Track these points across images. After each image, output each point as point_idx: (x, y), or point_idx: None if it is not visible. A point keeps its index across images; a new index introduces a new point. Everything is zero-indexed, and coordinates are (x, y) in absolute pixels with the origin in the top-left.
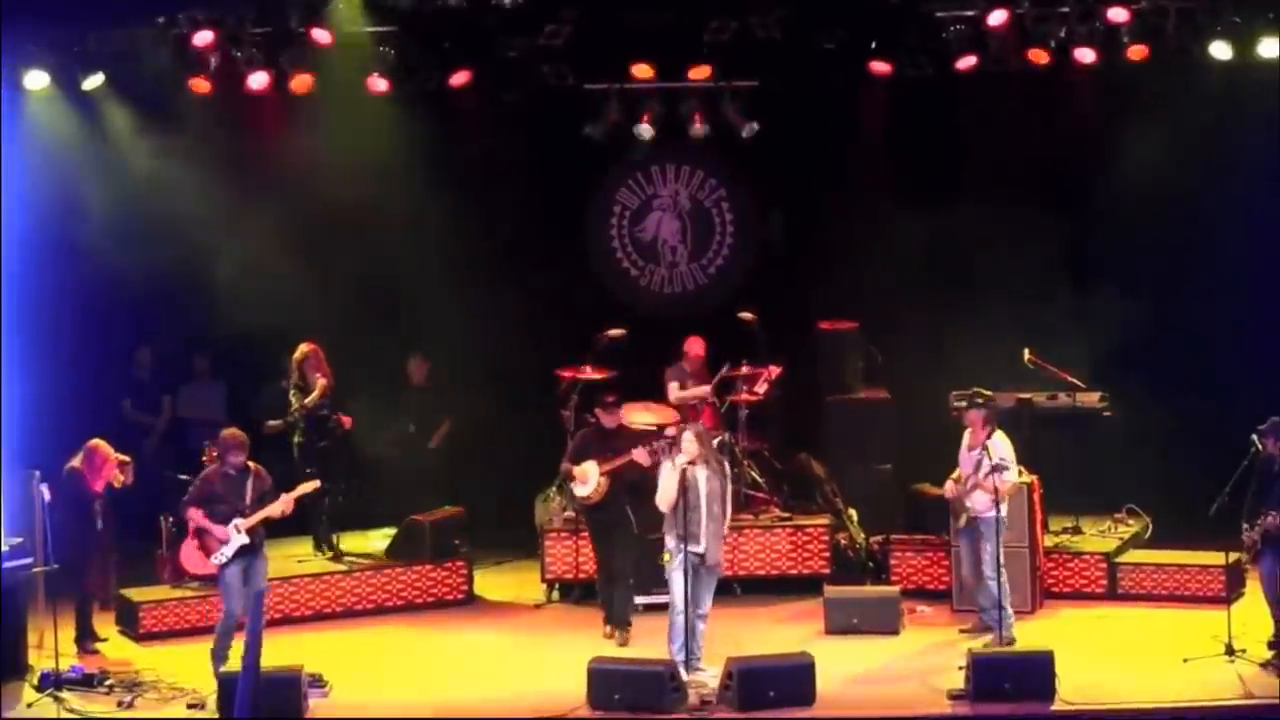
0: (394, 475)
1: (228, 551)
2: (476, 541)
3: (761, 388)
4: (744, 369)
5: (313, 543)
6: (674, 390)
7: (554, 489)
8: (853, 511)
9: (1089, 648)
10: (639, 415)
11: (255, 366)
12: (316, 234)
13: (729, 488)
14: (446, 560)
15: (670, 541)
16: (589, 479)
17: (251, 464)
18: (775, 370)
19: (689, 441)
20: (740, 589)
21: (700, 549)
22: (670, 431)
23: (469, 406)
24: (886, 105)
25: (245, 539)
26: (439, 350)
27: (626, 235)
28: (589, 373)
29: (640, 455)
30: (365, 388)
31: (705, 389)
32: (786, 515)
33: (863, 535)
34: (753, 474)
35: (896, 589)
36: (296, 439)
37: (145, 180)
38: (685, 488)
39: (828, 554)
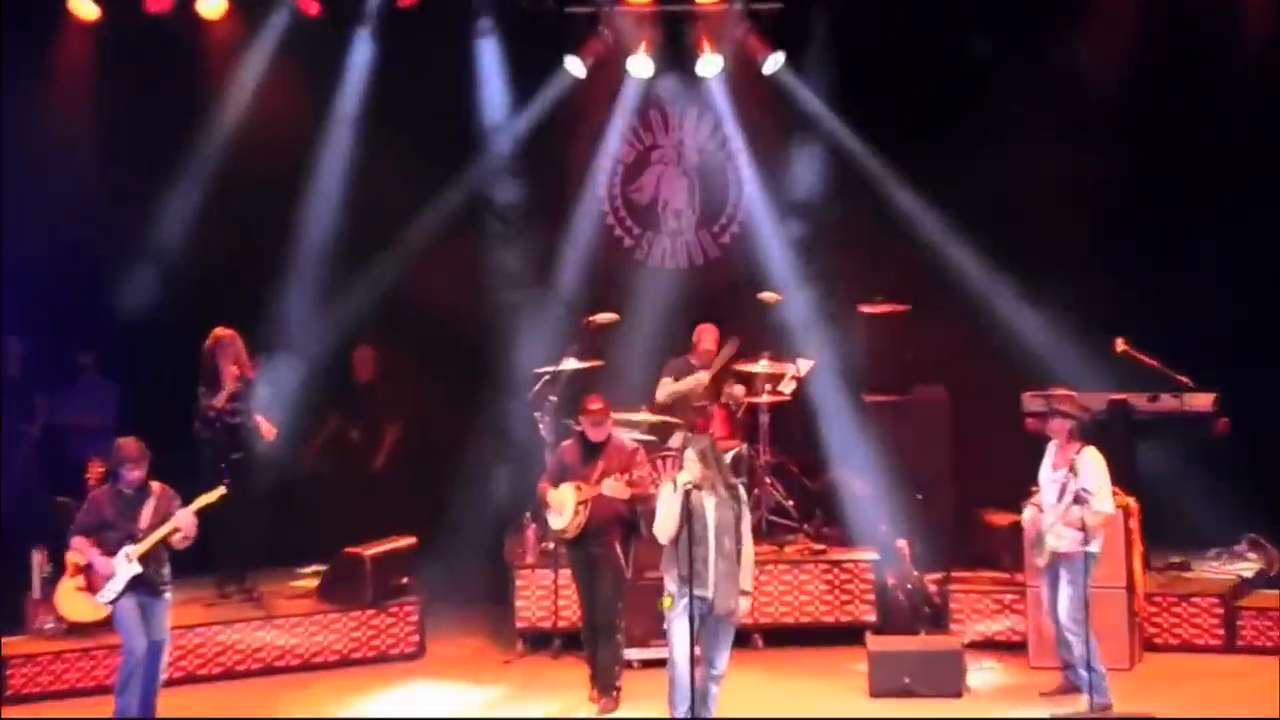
0: (328, 496)
1: (116, 586)
2: (432, 580)
3: (788, 386)
4: (765, 362)
5: (217, 583)
6: (663, 387)
7: (527, 516)
8: (903, 543)
9: (1201, 714)
10: (640, 423)
11: (160, 360)
12: (234, 194)
13: (746, 516)
14: (392, 603)
15: (670, 583)
16: (564, 507)
17: (153, 482)
18: (806, 364)
19: (692, 460)
20: (763, 641)
21: (707, 593)
22: (675, 443)
23: (426, 410)
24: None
25: (137, 568)
26: (389, 338)
27: (619, 196)
28: (572, 367)
29: (614, 488)
30: (293, 385)
31: (698, 378)
32: (820, 548)
33: (915, 573)
34: (777, 496)
35: (958, 640)
36: (205, 450)
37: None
38: (689, 516)
39: (872, 596)
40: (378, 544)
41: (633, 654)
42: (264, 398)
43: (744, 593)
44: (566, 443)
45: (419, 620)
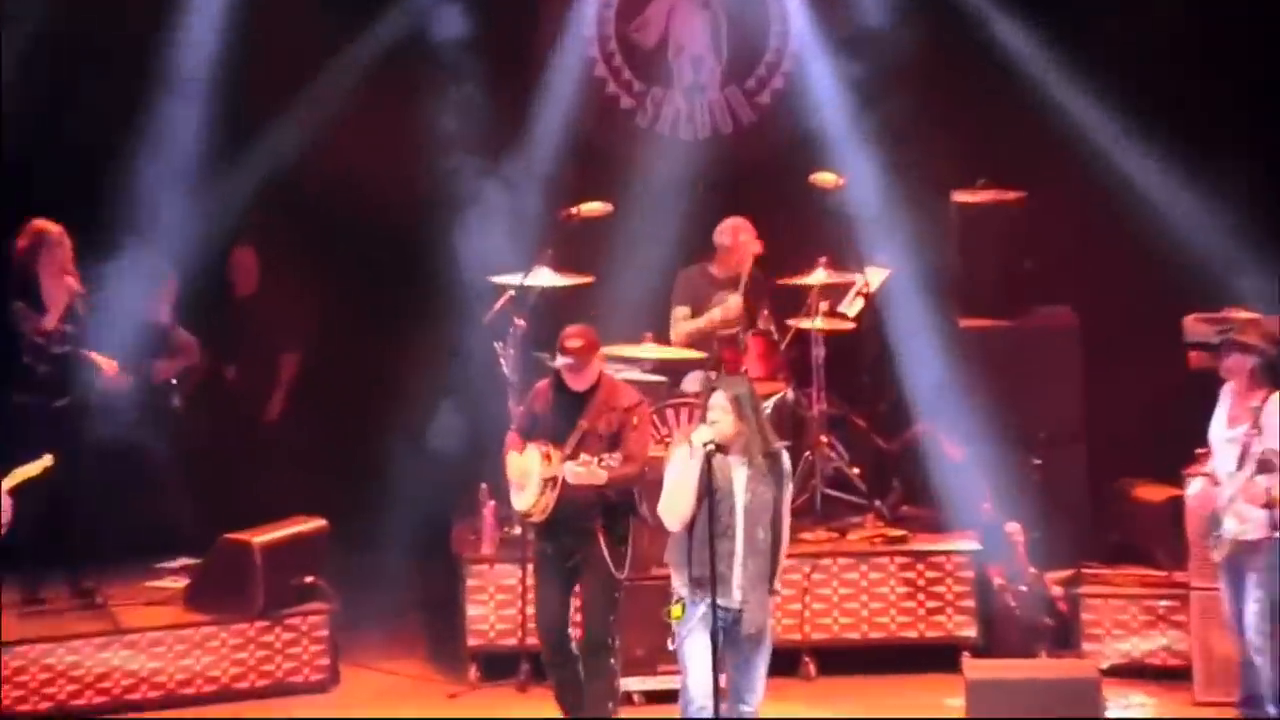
0: (198, 461)
1: None
2: (349, 579)
3: (853, 307)
4: (822, 272)
5: (29, 585)
6: (679, 320)
7: (483, 489)
8: (1015, 528)
9: None
10: (640, 359)
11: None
12: (66, 35)
13: (787, 494)
14: (292, 612)
15: (680, 585)
16: (527, 480)
17: None
18: (878, 276)
19: (717, 412)
20: (815, 667)
21: (734, 601)
22: (692, 386)
23: (336, 336)
24: None
25: None
26: (282, 235)
27: (613, 36)
28: (546, 280)
29: (579, 474)
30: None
31: (727, 305)
32: (898, 534)
33: (1032, 570)
34: (836, 461)
35: (1093, 665)
36: (23, 396)
37: None
38: (710, 492)
39: (971, 602)
40: (271, 528)
41: (631, 684)
42: (97, 323)
43: (773, 593)
44: (541, 384)
45: (329, 636)
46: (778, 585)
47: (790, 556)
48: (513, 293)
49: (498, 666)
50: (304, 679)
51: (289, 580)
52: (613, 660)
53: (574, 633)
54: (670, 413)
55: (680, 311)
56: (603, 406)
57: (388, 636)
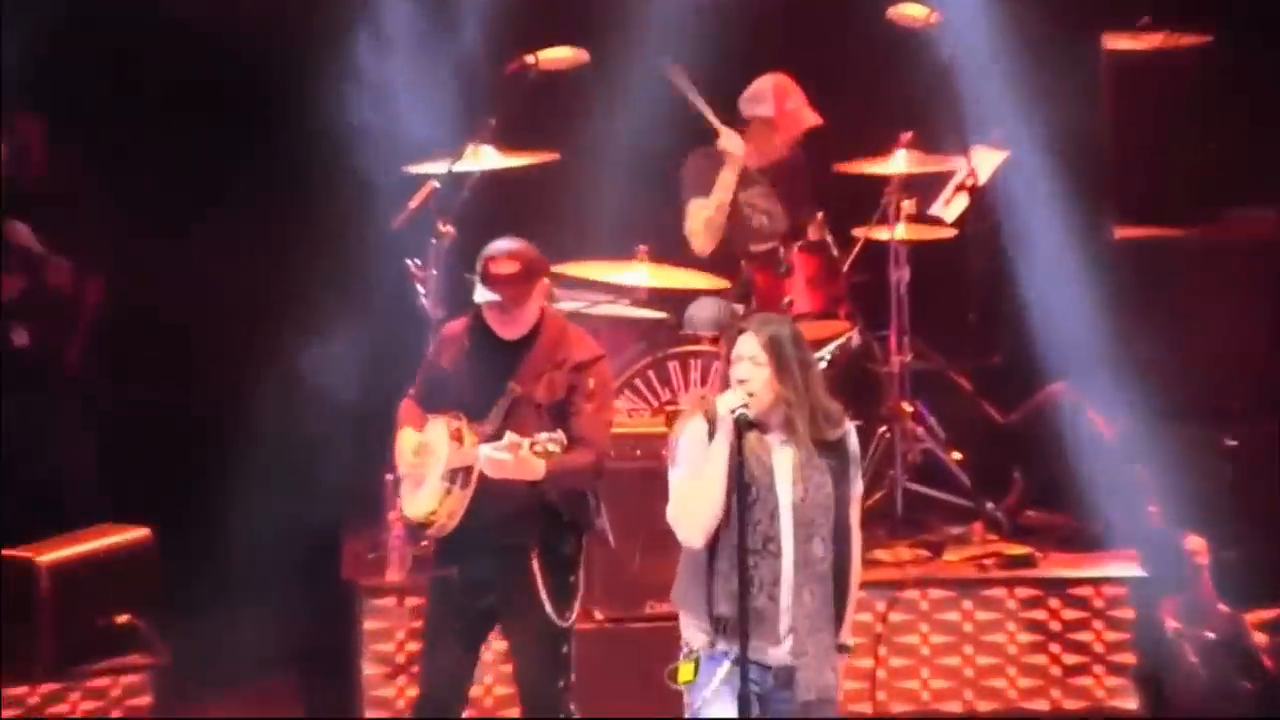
0: None
1: None
2: (187, 620)
3: (952, 208)
4: (903, 155)
5: None
6: (695, 210)
7: (389, 480)
8: (1196, 543)
9: None
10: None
11: None
12: None
13: (856, 490)
14: (95, 669)
15: (693, 632)
16: (425, 473)
17: None
18: (989, 160)
19: (749, 360)
20: None
21: (779, 655)
22: (705, 327)
23: (166, 252)
24: None
25: None
26: (87, 101)
27: None
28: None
29: (500, 463)
30: None
31: (763, 209)
32: (1020, 552)
33: (1222, 607)
34: (925, 441)
35: None
36: None
37: None
38: (739, 488)
39: (1131, 656)
40: (65, 541)
41: None
42: None
43: (841, 648)
44: (453, 327)
45: (154, 705)
46: (847, 635)
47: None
48: (436, 184)
49: None
50: None
51: (92, 620)
52: None
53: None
54: (673, 366)
55: (698, 204)
56: (543, 362)
57: (243, 706)
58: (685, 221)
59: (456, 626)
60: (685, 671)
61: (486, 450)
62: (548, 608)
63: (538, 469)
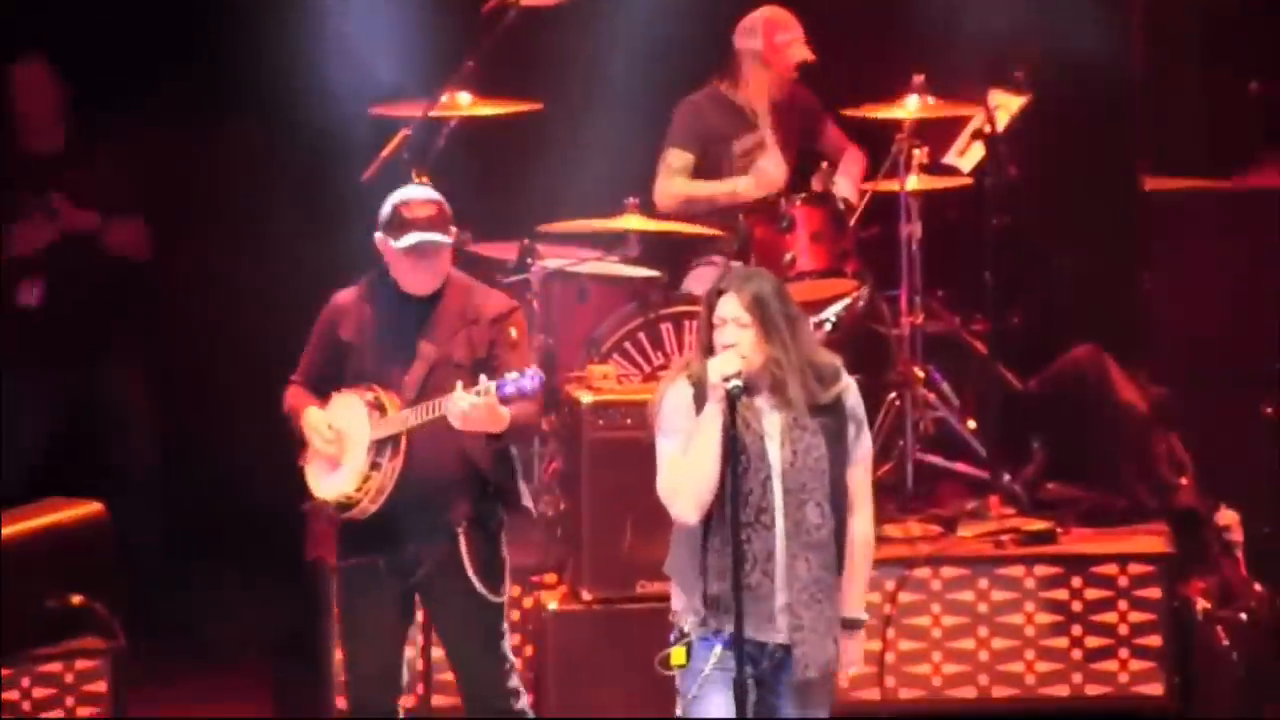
0: None
1: None
2: (145, 602)
3: (969, 157)
4: (920, 95)
5: None
6: (674, 171)
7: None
8: (1229, 516)
9: None
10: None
11: None
12: None
13: (863, 451)
14: (45, 654)
15: (685, 613)
16: (346, 449)
17: None
18: (1009, 103)
19: (732, 321)
20: None
21: (774, 632)
22: (697, 285)
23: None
24: None
25: None
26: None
27: None
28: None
29: (477, 408)
30: None
31: (763, 171)
32: (1039, 528)
33: (1257, 587)
34: (938, 409)
35: None
36: None
37: None
38: (732, 459)
39: (1159, 639)
40: (13, 517)
41: None
42: None
43: (850, 623)
44: (344, 295)
45: (112, 692)
46: (857, 608)
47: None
48: (409, 131)
49: None
50: None
51: (41, 600)
52: None
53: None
54: (666, 328)
55: (677, 158)
56: (455, 319)
57: (205, 693)
58: (659, 172)
59: (382, 616)
60: (677, 656)
61: (461, 397)
62: (478, 585)
63: (504, 418)
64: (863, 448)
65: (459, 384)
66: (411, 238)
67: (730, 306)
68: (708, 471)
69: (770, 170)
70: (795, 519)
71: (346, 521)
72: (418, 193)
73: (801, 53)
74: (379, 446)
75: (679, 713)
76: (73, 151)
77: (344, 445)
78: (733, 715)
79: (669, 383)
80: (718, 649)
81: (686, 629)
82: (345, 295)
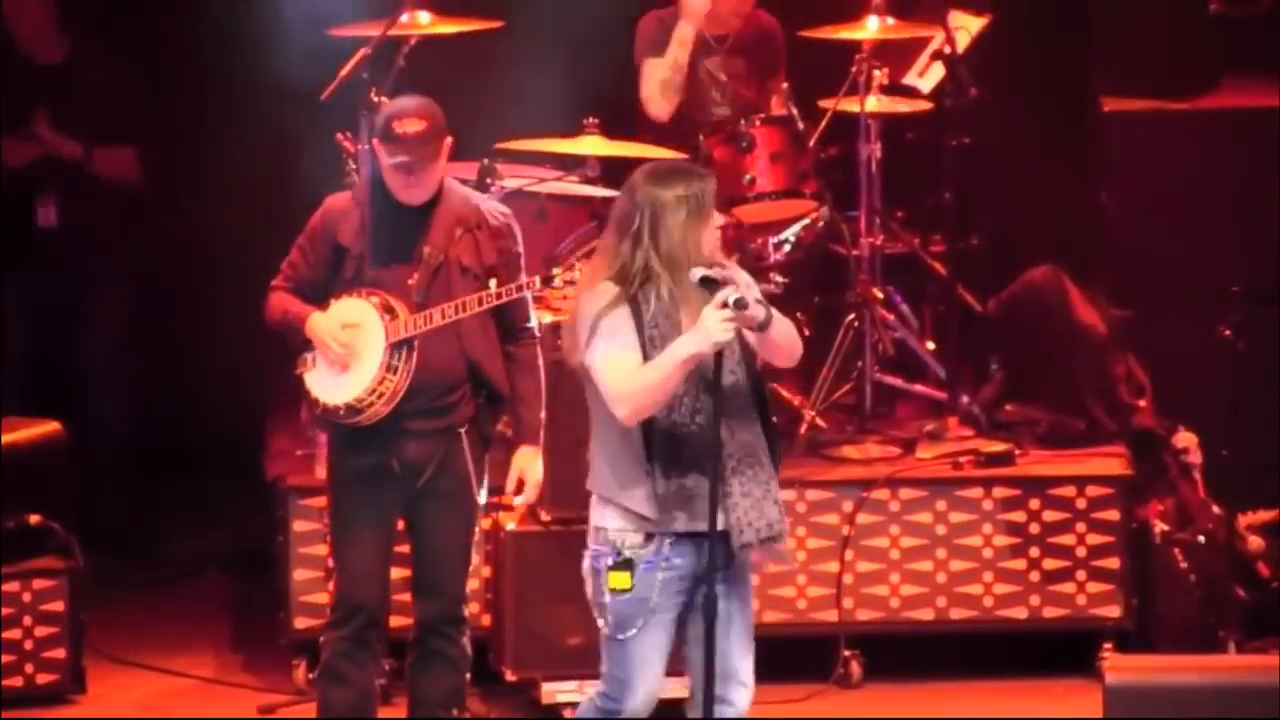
0: None
1: None
2: (103, 522)
3: (927, 78)
4: (878, 17)
5: None
6: (650, 71)
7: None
8: (1186, 437)
9: None
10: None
11: None
12: None
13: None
14: (4, 573)
15: (622, 528)
16: (358, 353)
17: None
18: (968, 25)
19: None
20: (860, 667)
21: (718, 519)
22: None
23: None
24: None
25: None
26: None
27: None
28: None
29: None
30: None
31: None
32: (998, 449)
33: (1214, 509)
34: (898, 330)
35: None
36: None
37: None
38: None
39: (1116, 561)
40: None
41: (562, 692)
42: None
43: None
44: (337, 199)
45: (69, 614)
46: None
47: (822, 485)
48: (368, 50)
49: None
50: (25, 684)
51: (1, 521)
52: (465, 640)
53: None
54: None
55: (654, 67)
56: (455, 224)
57: (164, 614)
58: (640, 85)
59: (380, 519)
60: (620, 580)
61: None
62: (475, 488)
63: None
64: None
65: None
66: (400, 157)
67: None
68: (673, 388)
69: (693, 1)
70: (717, 394)
71: (349, 426)
72: (408, 105)
73: None
74: (394, 349)
75: (607, 636)
76: (69, 68)
77: (356, 348)
78: (663, 645)
79: (594, 287)
80: (658, 574)
81: (626, 551)
82: (340, 199)
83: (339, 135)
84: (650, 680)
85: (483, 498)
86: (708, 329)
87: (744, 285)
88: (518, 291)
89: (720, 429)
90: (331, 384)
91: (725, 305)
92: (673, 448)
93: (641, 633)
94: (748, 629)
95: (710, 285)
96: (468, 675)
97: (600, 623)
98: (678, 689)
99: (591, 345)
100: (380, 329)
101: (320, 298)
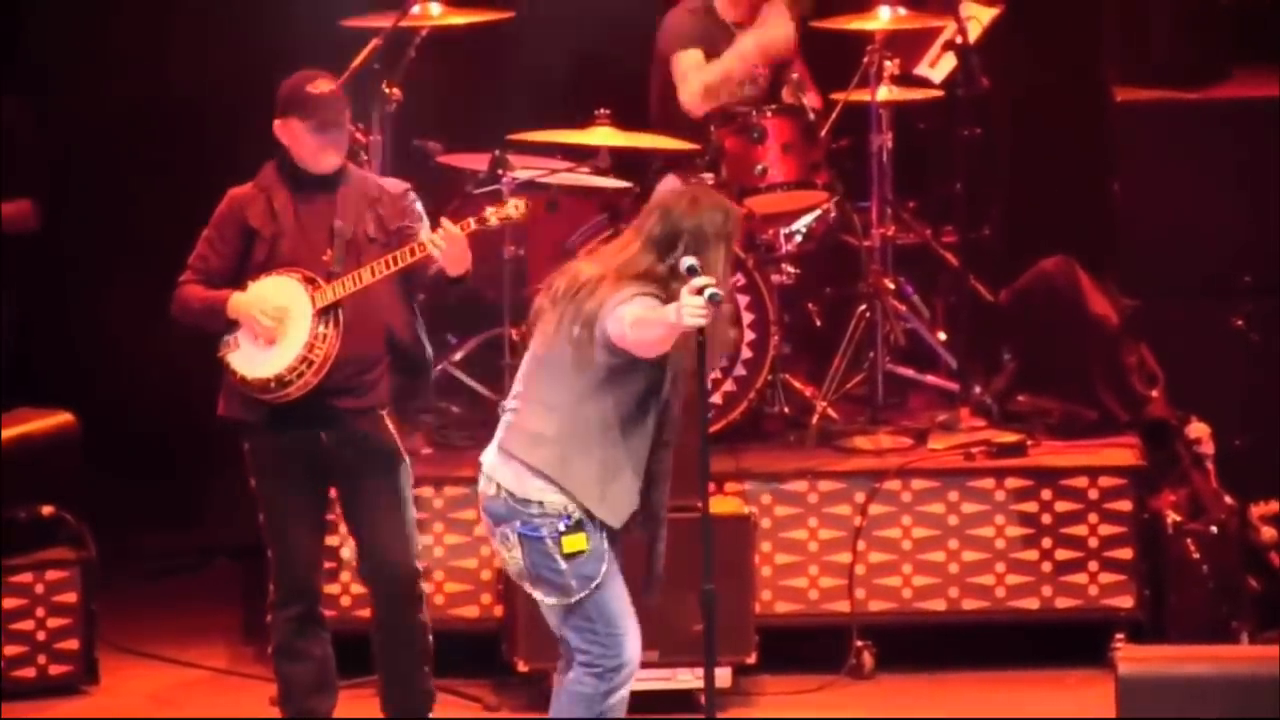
0: None
1: None
2: (115, 512)
3: (938, 68)
4: (891, 6)
5: None
6: (692, 69)
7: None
8: (1199, 428)
9: None
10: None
11: None
12: None
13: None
14: (16, 564)
15: (563, 501)
16: (284, 325)
17: None
18: (980, 15)
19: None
20: (873, 658)
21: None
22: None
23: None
24: None
25: None
26: None
27: None
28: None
29: (455, 239)
30: None
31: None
32: (1010, 439)
33: (1227, 500)
34: (909, 320)
35: None
36: None
37: None
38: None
39: (1129, 552)
40: None
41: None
42: None
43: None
44: (242, 190)
45: (81, 604)
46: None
47: (834, 476)
48: (380, 41)
49: (353, 653)
50: (38, 675)
51: (14, 512)
52: (421, 614)
53: None
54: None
55: (689, 58)
56: (359, 198)
57: (177, 605)
58: (678, 79)
59: (307, 498)
60: (576, 542)
61: (442, 227)
62: (402, 462)
63: (469, 257)
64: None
65: (443, 222)
66: (324, 106)
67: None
68: (659, 337)
69: (780, 29)
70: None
71: (276, 403)
72: (315, 72)
73: None
74: (322, 316)
75: (577, 602)
76: None
77: (285, 320)
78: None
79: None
80: (602, 534)
81: (574, 515)
82: (243, 189)
83: (355, 129)
84: (634, 622)
85: (409, 478)
86: (681, 310)
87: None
88: (464, 231)
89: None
90: (259, 359)
91: (700, 292)
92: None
93: (607, 579)
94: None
95: (694, 273)
96: (429, 641)
97: (555, 599)
98: (691, 679)
99: (624, 305)
100: (306, 298)
101: (231, 286)
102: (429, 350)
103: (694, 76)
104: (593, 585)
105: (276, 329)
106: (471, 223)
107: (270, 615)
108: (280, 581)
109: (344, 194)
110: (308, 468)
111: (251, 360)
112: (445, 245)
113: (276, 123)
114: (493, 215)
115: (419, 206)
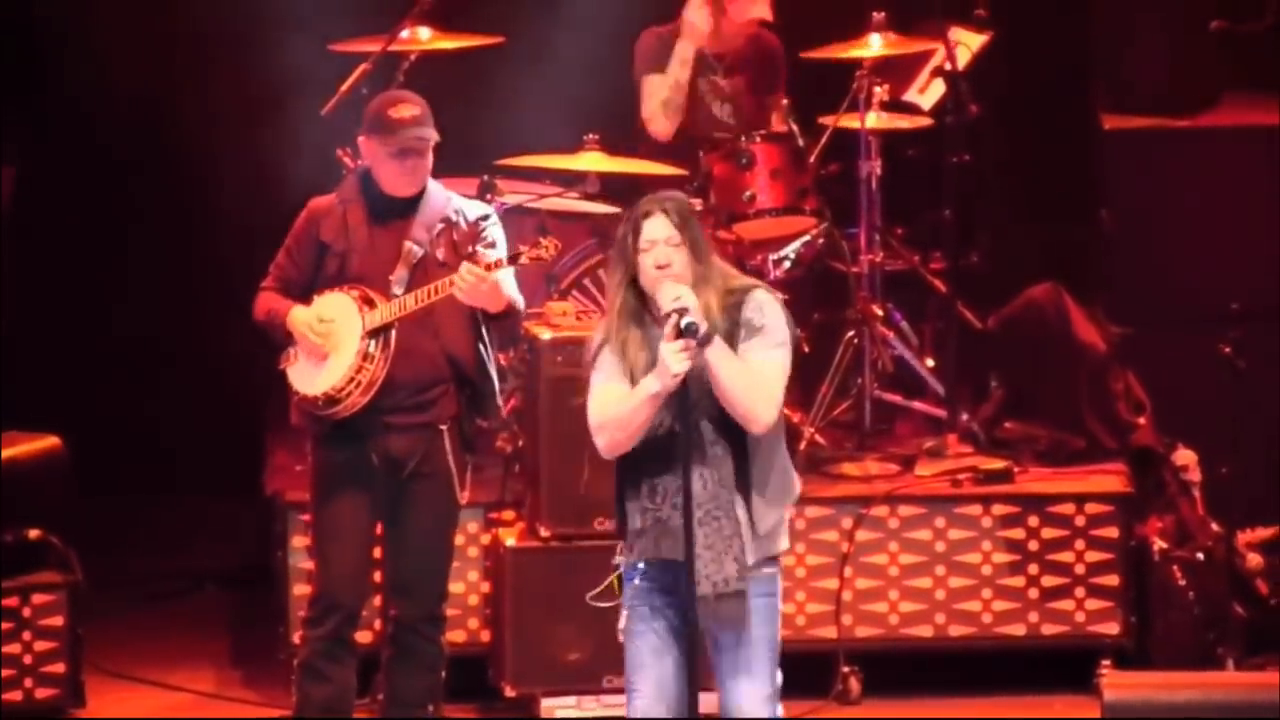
0: None
1: None
2: (102, 537)
3: (927, 95)
4: (880, 34)
5: None
6: (655, 92)
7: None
8: (1185, 455)
9: None
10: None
11: None
12: None
13: (758, 352)
14: (3, 587)
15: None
16: (336, 343)
17: None
18: (969, 42)
19: (662, 245)
20: (859, 683)
21: (679, 553)
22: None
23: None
24: None
25: None
26: None
27: None
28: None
29: (479, 278)
30: None
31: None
32: (997, 466)
33: (1213, 525)
34: (897, 347)
35: None
36: None
37: None
38: (682, 399)
39: (1115, 578)
40: None
41: (561, 708)
42: None
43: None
44: (321, 201)
45: (68, 628)
46: (779, 501)
47: (821, 502)
48: (369, 65)
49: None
50: (24, 699)
51: (1, 535)
52: (443, 639)
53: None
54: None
55: (654, 83)
56: (437, 220)
57: (163, 629)
58: (641, 103)
59: (359, 516)
60: (610, 587)
61: (468, 269)
62: (456, 485)
63: (502, 297)
64: (757, 352)
65: (464, 263)
66: (404, 133)
67: (660, 227)
68: (640, 423)
69: (695, 19)
70: (694, 436)
71: (331, 419)
72: (402, 94)
73: (760, 10)
74: (371, 338)
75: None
76: None
77: (334, 339)
78: (656, 644)
79: (600, 322)
80: (635, 581)
81: (618, 560)
82: (323, 199)
83: (339, 151)
84: (646, 684)
85: (467, 488)
86: (666, 364)
87: (693, 309)
88: (488, 271)
89: (693, 474)
90: (311, 375)
91: (678, 335)
92: (649, 478)
93: (630, 636)
94: (746, 662)
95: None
96: (443, 674)
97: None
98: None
99: (591, 378)
100: (357, 319)
101: (307, 296)
102: (494, 378)
103: (652, 98)
104: (623, 629)
105: (326, 347)
106: (504, 261)
107: (302, 631)
108: (316, 595)
109: (420, 213)
110: (362, 486)
111: (305, 376)
112: (465, 285)
113: (360, 138)
114: (524, 255)
115: (494, 233)
